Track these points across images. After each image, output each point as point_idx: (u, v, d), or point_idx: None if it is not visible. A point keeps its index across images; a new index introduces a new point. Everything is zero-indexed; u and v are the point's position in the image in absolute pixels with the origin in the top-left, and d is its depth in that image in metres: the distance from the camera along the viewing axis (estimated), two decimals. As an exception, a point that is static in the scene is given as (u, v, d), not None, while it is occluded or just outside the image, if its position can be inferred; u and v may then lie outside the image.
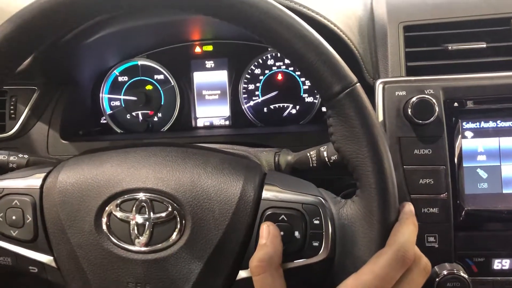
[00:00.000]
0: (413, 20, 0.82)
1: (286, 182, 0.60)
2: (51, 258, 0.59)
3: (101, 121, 1.14)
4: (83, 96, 1.09)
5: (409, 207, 0.55)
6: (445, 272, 0.69)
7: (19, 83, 0.95)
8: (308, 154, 0.74)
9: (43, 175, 0.62)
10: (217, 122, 1.13)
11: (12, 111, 0.96)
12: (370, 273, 0.47)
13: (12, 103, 0.96)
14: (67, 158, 0.66)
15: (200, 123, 1.13)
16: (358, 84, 0.51)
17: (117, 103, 1.14)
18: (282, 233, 0.54)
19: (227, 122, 1.13)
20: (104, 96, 1.13)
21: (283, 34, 0.49)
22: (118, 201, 0.57)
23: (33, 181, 0.61)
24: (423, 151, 0.72)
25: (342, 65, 0.50)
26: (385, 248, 0.50)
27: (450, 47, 0.79)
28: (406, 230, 0.51)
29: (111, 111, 1.14)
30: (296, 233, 0.54)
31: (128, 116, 1.14)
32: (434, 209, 0.71)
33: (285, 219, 0.55)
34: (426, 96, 0.71)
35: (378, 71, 0.83)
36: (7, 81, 0.56)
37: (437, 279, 0.69)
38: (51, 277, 0.60)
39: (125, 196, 0.57)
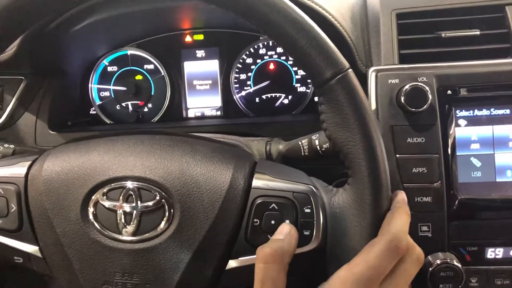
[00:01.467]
0: (406, 8, 0.81)
1: (276, 170, 0.60)
2: (37, 248, 0.59)
3: (91, 112, 1.13)
4: (71, 87, 1.07)
5: (401, 196, 0.55)
6: (438, 262, 0.68)
7: (5, 73, 0.94)
8: (300, 143, 0.73)
9: (28, 163, 0.61)
10: (208, 112, 1.12)
11: (-1, 102, 0.94)
12: (362, 263, 0.46)
13: (-1, 93, 0.94)
14: None
15: (191, 113, 1.12)
16: (350, 70, 0.50)
17: (107, 93, 1.12)
18: (273, 222, 0.54)
19: (218, 113, 1.12)
20: (93, 86, 1.12)
21: (274, 19, 0.48)
22: (105, 190, 0.56)
23: (18, 169, 0.60)
24: (416, 140, 0.71)
25: (334, 50, 0.50)
26: (377, 237, 0.49)
27: (443, 35, 0.78)
28: (399, 219, 0.50)
29: (101, 102, 1.13)
30: (287, 222, 0.54)
31: (118, 107, 1.12)
32: (427, 198, 0.71)
33: (276, 207, 0.54)
34: (419, 83, 0.70)
35: (370, 59, 0.82)
36: None
37: (430, 269, 0.68)
38: (37, 268, 0.59)
39: (112, 184, 0.56)
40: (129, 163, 0.57)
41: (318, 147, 0.70)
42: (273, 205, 0.54)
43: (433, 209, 0.70)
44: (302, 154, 0.73)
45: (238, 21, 1.02)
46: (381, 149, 0.50)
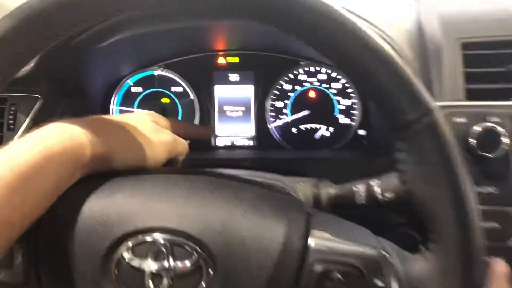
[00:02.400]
0: (474, 37, 0.73)
1: (336, 227, 0.50)
2: None
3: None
4: (91, 107, 0.98)
5: (500, 267, 0.45)
6: None
7: (20, 90, 0.85)
8: (355, 188, 0.63)
9: None
10: (239, 142, 1.03)
11: (11, 121, 0.86)
12: None
13: (11, 112, 0.86)
14: None
15: (220, 142, 1.03)
16: (439, 112, 0.42)
17: (130, 116, 1.03)
18: None
19: (250, 142, 1.02)
20: (115, 108, 1.03)
21: (348, 47, 0.41)
22: (130, 244, 0.46)
23: None
24: (488, 189, 0.64)
25: (419, 87, 0.42)
26: None
27: None
28: None
29: (122, 126, 1.03)
30: None
31: (141, 132, 1.03)
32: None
33: (339, 276, 0.44)
34: (491, 124, 0.63)
35: (432, 93, 0.73)
36: (4, 85, 0.48)
37: None
38: None
39: (139, 236, 0.46)
40: (160, 211, 0.47)
41: (379, 195, 0.60)
42: (335, 272, 0.44)
43: None
44: (358, 202, 0.63)
45: (277, 43, 0.95)
46: (476, 214, 0.42)
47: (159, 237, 0.45)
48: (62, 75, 0.85)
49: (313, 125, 1.00)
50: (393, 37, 0.73)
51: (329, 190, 0.68)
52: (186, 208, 0.47)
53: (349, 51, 0.41)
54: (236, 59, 1.01)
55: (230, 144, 1.03)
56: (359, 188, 0.63)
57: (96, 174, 0.55)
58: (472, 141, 0.63)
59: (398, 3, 0.85)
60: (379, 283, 0.44)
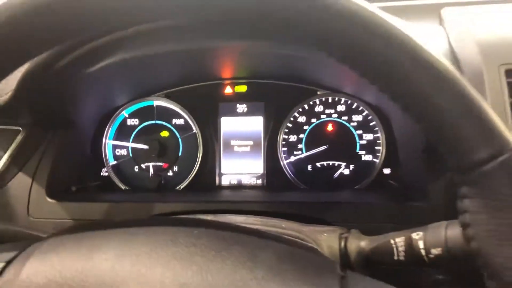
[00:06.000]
0: None
1: None
2: None
3: (102, 173, 0.95)
4: (81, 142, 0.90)
5: None
6: None
7: (-1, 122, 0.77)
8: (393, 242, 0.54)
9: (1, 264, 0.41)
10: (247, 180, 0.94)
11: (-13, 157, 0.77)
12: None
13: (-12, 147, 0.76)
14: (51, 224, 0.54)
15: (225, 180, 0.94)
16: None
17: (124, 151, 0.95)
18: None
19: (259, 182, 0.93)
20: (108, 142, 0.95)
21: (412, 75, 0.35)
22: None
23: None
24: None
25: (495, 120, 0.35)
26: None
27: None
28: None
29: (115, 162, 0.95)
30: None
31: (136, 169, 0.95)
32: None
33: None
34: None
35: None
36: None
37: None
38: None
39: None
40: (154, 278, 0.37)
41: (423, 251, 0.50)
42: None
43: None
44: (395, 258, 0.53)
45: (291, 71, 0.87)
46: None
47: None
48: (46, 103, 0.76)
49: (331, 162, 0.91)
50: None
51: (359, 242, 0.58)
52: (186, 272, 0.37)
53: (411, 79, 0.35)
54: (244, 88, 0.94)
55: (236, 183, 0.94)
56: (398, 242, 0.53)
57: (71, 226, 0.45)
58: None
59: (423, 30, 0.79)
60: None
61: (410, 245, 0.52)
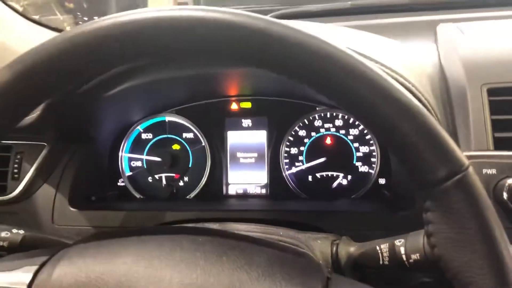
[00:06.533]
0: (500, 82, 0.70)
1: None
2: None
3: (119, 184, 1.01)
4: (99, 155, 0.96)
5: None
6: None
7: (26, 138, 0.83)
8: (378, 248, 0.59)
9: (34, 268, 0.47)
10: (252, 190, 0.98)
11: (16, 170, 0.83)
12: None
13: (16, 160, 0.83)
14: (73, 231, 0.51)
15: (232, 190, 0.99)
16: (471, 169, 0.38)
17: (139, 163, 1.01)
18: None
19: (263, 191, 0.98)
20: (124, 155, 1.00)
21: (369, 97, 0.38)
22: None
23: (21, 275, 0.47)
24: None
25: (450, 143, 0.38)
26: None
27: None
28: None
29: (131, 173, 1.01)
30: None
31: (150, 179, 1.00)
32: None
33: None
34: None
35: (457, 142, 0.69)
36: (5, 135, 0.45)
37: None
38: None
39: None
40: (164, 279, 0.43)
41: (404, 256, 0.55)
42: None
43: None
44: (381, 262, 0.58)
45: (291, 89, 0.91)
46: None
47: (161, 309, 0.41)
48: (69, 122, 0.82)
49: (330, 173, 0.95)
50: (415, 84, 0.69)
51: (349, 248, 0.63)
52: (191, 274, 0.43)
53: (370, 102, 0.38)
54: (248, 105, 0.98)
55: (242, 192, 0.99)
56: (382, 248, 0.58)
57: (94, 234, 0.51)
58: (505, 194, 0.58)
59: (417, 48, 0.82)
60: None
61: (393, 251, 0.57)
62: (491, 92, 0.69)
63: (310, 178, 0.96)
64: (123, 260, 0.45)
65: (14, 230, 0.64)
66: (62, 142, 0.85)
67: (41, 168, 0.83)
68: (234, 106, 0.99)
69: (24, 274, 0.47)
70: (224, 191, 0.99)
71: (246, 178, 0.99)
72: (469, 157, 0.62)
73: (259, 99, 0.98)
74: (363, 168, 0.94)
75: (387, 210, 0.77)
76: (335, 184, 0.95)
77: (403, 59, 0.76)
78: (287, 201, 0.93)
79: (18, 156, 0.83)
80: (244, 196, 0.99)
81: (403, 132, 0.38)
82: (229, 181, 0.99)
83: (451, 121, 0.71)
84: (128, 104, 0.92)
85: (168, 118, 0.99)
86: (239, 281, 0.42)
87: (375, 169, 0.93)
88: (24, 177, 0.83)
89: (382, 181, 0.93)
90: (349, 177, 0.95)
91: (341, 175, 0.95)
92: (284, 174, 0.97)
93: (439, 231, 0.40)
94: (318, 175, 0.96)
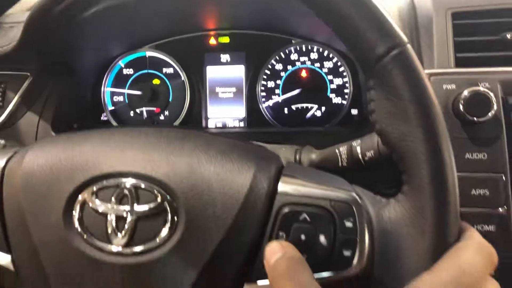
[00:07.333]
0: (463, 6, 0.74)
1: (309, 174, 0.48)
2: (8, 258, 0.48)
3: (102, 118, 1.03)
4: (82, 87, 0.98)
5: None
6: None
7: (9, 68, 0.85)
8: (337, 151, 0.62)
9: (8, 155, 0.51)
10: (231, 123, 1.01)
11: (0, 99, 0.85)
12: (453, 268, 0.36)
13: (0, 90, 0.85)
14: None
15: (211, 123, 1.02)
16: (409, 45, 0.40)
17: (120, 98, 1.03)
18: (303, 236, 0.42)
19: (242, 124, 1.01)
20: (107, 89, 1.03)
21: None
22: (95, 188, 0.45)
23: None
24: (477, 155, 0.62)
25: (389, 21, 0.40)
26: (461, 242, 0.38)
27: (509, 36, 0.70)
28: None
29: (113, 107, 1.03)
30: (322, 238, 0.42)
31: (131, 113, 1.03)
32: (490, 226, 0.61)
33: (308, 219, 0.43)
34: (481, 88, 0.61)
35: (422, 63, 0.73)
36: None
37: None
38: (7, 283, 0.48)
39: (104, 181, 0.45)
40: (127, 157, 0.46)
41: (360, 155, 0.59)
42: (304, 215, 0.43)
43: (497, 241, 0.59)
44: (340, 164, 0.62)
45: (268, 21, 0.94)
46: (449, 148, 0.39)
47: (123, 181, 0.45)
48: (50, 52, 0.84)
49: (305, 105, 0.98)
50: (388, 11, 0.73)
51: (311, 154, 0.67)
52: (153, 153, 0.46)
53: None
54: (226, 40, 1.00)
55: (221, 125, 1.01)
56: (341, 151, 0.62)
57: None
58: (461, 106, 0.61)
59: None
60: (349, 224, 0.42)
61: (351, 152, 0.61)
62: (455, 16, 0.73)
63: (286, 110, 0.99)
64: (91, 144, 0.48)
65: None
66: (45, 73, 0.87)
67: (24, 97, 0.85)
68: (212, 41, 1.01)
69: None
70: (204, 125, 1.02)
71: (225, 112, 1.01)
72: (431, 74, 0.67)
73: (236, 34, 1.00)
74: (337, 100, 0.97)
75: (355, 130, 0.80)
76: (309, 115, 0.98)
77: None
78: (263, 128, 0.97)
79: (2, 86, 0.86)
80: (223, 128, 1.01)
81: (346, 13, 0.40)
82: (209, 115, 1.01)
83: (417, 44, 0.75)
84: (107, 35, 0.94)
85: (149, 53, 1.01)
86: (198, 159, 0.46)
87: (347, 100, 0.96)
88: (8, 105, 0.85)
89: (354, 111, 0.96)
90: (323, 108, 0.98)
91: (315, 106, 0.98)
92: (261, 107, 0.99)
93: (379, 107, 0.42)
94: (293, 107, 0.98)
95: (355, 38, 0.41)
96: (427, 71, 0.68)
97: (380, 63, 0.40)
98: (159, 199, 0.43)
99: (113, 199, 0.44)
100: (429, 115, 0.39)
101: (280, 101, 0.99)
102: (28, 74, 0.86)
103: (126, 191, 0.44)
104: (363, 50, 0.41)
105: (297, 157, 0.67)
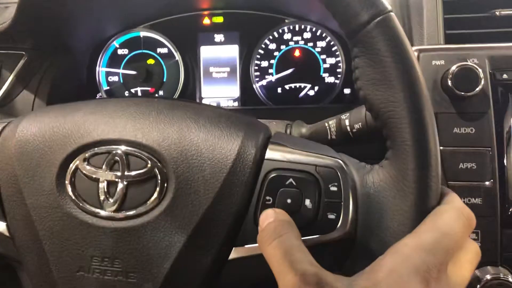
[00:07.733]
0: None
1: (297, 142, 0.50)
2: (4, 224, 0.49)
3: (97, 98, 1.04)
4: (77, 67, 0.99)
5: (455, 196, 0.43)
6: (488, 277, 0.59)
7: (5, 47, 0.86)
8: (327, 124, 0.64)
9: (2, 124, 0.53)
10: (225, 103, 1.02)
11: (-5, 78, 0.86)
12: (433, 230, 0.37)
13: (-4, 69, 0.86)
14: None
15: (205, 103, 1.02)
16: (392, 13, 0.40)
17: (115, 78, 1.03)
18: (289, 200, 0.43)
19: (236, 104, 1.02)
20: (102, 69, 1.03)
21: None
22: (87, 155, 0.46)
23: None
24: (465, 130, 0.63)
25: None
26: (442, 206, 0.40)
27: (497, 13, 0.71)
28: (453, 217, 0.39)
29: (108, 87, 1.04)
30: (307, 202, 0.44)
31: (126, 94, 1.03)
32: (477, 199, 0.62)
33: (294, 183, 0.44)
34: (470, 64, 0.62)
35: (412, 40, 0.75)
36: None
37: (478, 286, 0.59)
38: (3, 249, 0.50)
39: (96, 148, 0.47)
40: (118, 125, 0.48)
41: (348, 128, 0.60)
42: (291, 180, 0.44)
43: (483, 213, 0.61)
44: (329, 137, 0.64)
45: (261, 1, 0.94)
46: (430, 112, 0.40)
47: (115, 147, 0.46)
48: (45, 31, 0.85)
49: (298, 84, 0.98)
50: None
51: (301, 128, 0.68)
52: (143, 121, 0.48)
53: None
54: (220, 19, 1.00)
55: (215, 105, 1.02)
56: (330, 124, 0.63)
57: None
58: (450, 81, 0.62)
59: None
60: (334, 189, 0.43)
61: (339, 125, 0.62)
62: (446, -7, 0.73)
63: (279, 89, 0.99)
64: (83, 113, 0.50)
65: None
66: (40, 52, 0.87)
67: (19, 76, 0.86)
68: (206, 21, 1.01)
69: None
70: (198, 105, 1.02)
71: (219, 92, 1.02)
72: (420, 50, 0.67)
73: (230, 13, 1.00)
74: (329, 79, 0.98)
75: (347, 108, 0.81)
76: (302, 94, 0.98)
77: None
78: (256, 106, 0.98)
79: (-2, 64, 0.87)
80: (217, 108, 1.02)
81: None
82: (203, 95, 1.02)
83: (408, 21, 0.76)
84: (102, 15, 0.94)
85: (143, 33, 1.02)
86: (187, 127, 0.47)
87: (340, 79, 0.97)
88: (3, 84, 0.86)
89: (346, 91, 0.97)
90: (316, 88, 0.98)
91: (308, 85, 0.98)
92: (254, 86, 1.00)
93: (362, 74, 0.42)
94: (286, 86, 0.99)
95: (340, 5, 0.41)
96: (417, 47, 0.68)
97: (364, 30, 0.40)
98: (149, 165, 0.45)
99: (104, 165, 0.45)
100: (411, 79, 0.39)
101: (273, 80, 0.99)
102: (23, 53, 0.86)
103: (117, 158, 0.45)
104: (347, 18, 0.41)
105: (288, 131, 0.69)
